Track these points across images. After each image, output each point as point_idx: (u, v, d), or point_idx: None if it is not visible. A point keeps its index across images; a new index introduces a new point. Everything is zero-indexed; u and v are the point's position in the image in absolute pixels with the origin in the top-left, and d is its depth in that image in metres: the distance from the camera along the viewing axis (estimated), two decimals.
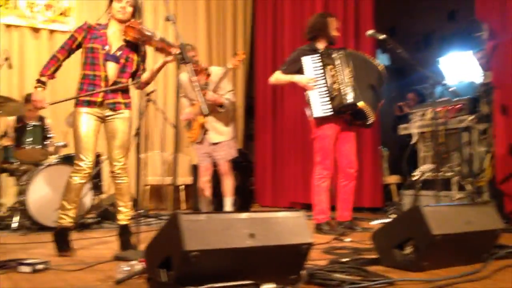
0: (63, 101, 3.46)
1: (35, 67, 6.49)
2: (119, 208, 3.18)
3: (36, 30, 6.60)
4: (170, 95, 7.08)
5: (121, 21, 3.11)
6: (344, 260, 2.52)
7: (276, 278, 2.04)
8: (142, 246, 2.82)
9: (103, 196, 5.09)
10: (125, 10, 3.08)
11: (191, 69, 2.81)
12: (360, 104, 3.92)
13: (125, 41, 3.10)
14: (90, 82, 3.04)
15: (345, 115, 4.07)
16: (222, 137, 4.61)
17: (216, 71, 4.55)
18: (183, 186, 6.67)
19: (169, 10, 2.90)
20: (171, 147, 7.00)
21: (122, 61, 3.09)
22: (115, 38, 3.12)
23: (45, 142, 4.55)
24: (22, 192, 4.37)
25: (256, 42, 7.74)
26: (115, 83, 3.08)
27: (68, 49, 3.11)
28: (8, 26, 6.38)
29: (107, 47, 3.06)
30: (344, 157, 4.13)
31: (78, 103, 3.07)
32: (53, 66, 3.06)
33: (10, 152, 4.63)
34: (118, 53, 3.09)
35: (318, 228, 3.99)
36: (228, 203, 4.68)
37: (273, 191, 7.11)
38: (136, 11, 3.14)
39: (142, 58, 3.17)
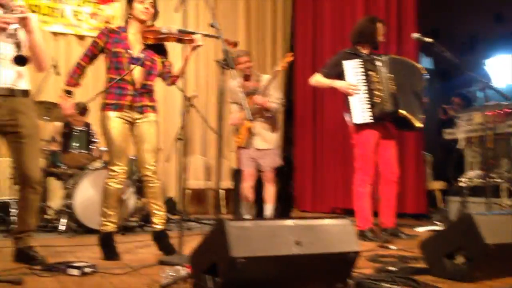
0: (90, 100, 3.50)
1: None
2: (154, 211, 3.19)
3: (81, 37, 6.79)
4: (212, 100, 7.15)
5: (143, 22, 3.12)
6: (391, 269, 2.46)
7: (323, 286, 2.01)
8: (183, 250, 2.85)
9: (146, 199, 5.15)
10: (149, 11, 3.10)
11: (235, 74, 2.80)
12: (401, 111, 3.85)
13: (146, 44, 3.13)
14: (117, 86, 3.04)
15: (386, 121, 4.01)
16: (268, 144, 4.63)
17: (267, 78, 4.62)
18: (223, 191, 6.70)
19: (211, 15, 2.91)
20: (211, 151, 7.06)
21: (147, 63, 3.10)
22: (136, 40, 3.12)
23: (90, 147, 4.66)
24: (68, 196, 4.48)
25: (296, 44, 7.71)
26: (142, 86, 3.10)
27: (91, 56, 3.12)
28: (55, 34, 6.58)
29: (130, 51, 3.07)
30: (385, 163, 4.06)
31: (106, 107, 3.06)
32: (77, 74, 3.08)
33: (57, 156, 4.76)
34: (142, 56, 3.09)
35: (362, 235, 3.92)
36: (269, 209, 4.68)
37: (313, 196, 7.05)
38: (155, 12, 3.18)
39: (165, 55, 3.22)
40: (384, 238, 3.81)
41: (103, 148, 4.92)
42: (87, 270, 2.47)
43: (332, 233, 2.02)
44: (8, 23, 2.64)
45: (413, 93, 3.96)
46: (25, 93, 2.83)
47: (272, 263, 1.89)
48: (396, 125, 4.11)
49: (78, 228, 4.40)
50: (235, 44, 3.26)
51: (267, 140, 4.63)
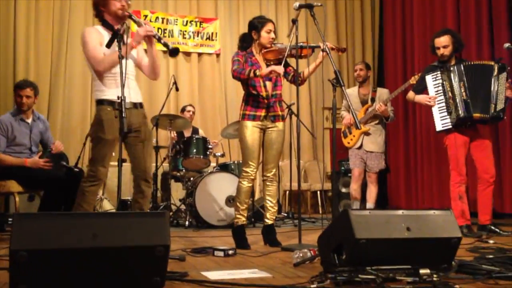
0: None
1: (188, 87, 7.44)
2: (269, 208, 3.71)
3: (188, 54, 7.57)
4: (305, 107, 7.70)
5: (265, 47, 3.68)
6: (490, 256, 2.77)
7: (429, 266, 2.40)
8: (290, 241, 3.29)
9: (255, 198, 5.72)
10: (273, 39, 3.68)
11: (345, 92, 3.25)
12: (475, 115, 4.11)
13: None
14: (254, 100, 3.65)
15: (470, 125, 4.25)
16: (377, 147, 5.12)
17: (382, 92, 5.20)
18: (319, 192, 7.17)
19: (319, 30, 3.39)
20: (306, 156, 7.63)
21: (274, 77, 3.64)
22: (261, 60, 3.71)
23: (207, 153, 5.31)
24: (189, 195, 5.15)
25: (386, 49, 7.99)
26: (272, 96, 3.66)
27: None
28: (165, 52, 7.38)
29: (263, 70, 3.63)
30: (480, 164, 4.30)
31: (245, 117, 3.65)
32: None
33: (178, 161, 5.47)
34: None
35: None
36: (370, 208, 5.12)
37: (407, 197, 7.30)
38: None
39: (286, 64, 3.66)
40: (479, 234, 4.06)
41: (218, 153, 5.58)
42: (230, 252, 3.03)
43: (437, 222, 2.42)
44: (153, 33, 3.11)
45: (485, 93, 4.15)
46: (142, 105, 3.38)
47: (387, 244, 2.32)
48: (487, 123, 4.33)
49: (199, 224, 5.06)
50: (343, 50, 3.74)
51: (376, 143, 5.10)
